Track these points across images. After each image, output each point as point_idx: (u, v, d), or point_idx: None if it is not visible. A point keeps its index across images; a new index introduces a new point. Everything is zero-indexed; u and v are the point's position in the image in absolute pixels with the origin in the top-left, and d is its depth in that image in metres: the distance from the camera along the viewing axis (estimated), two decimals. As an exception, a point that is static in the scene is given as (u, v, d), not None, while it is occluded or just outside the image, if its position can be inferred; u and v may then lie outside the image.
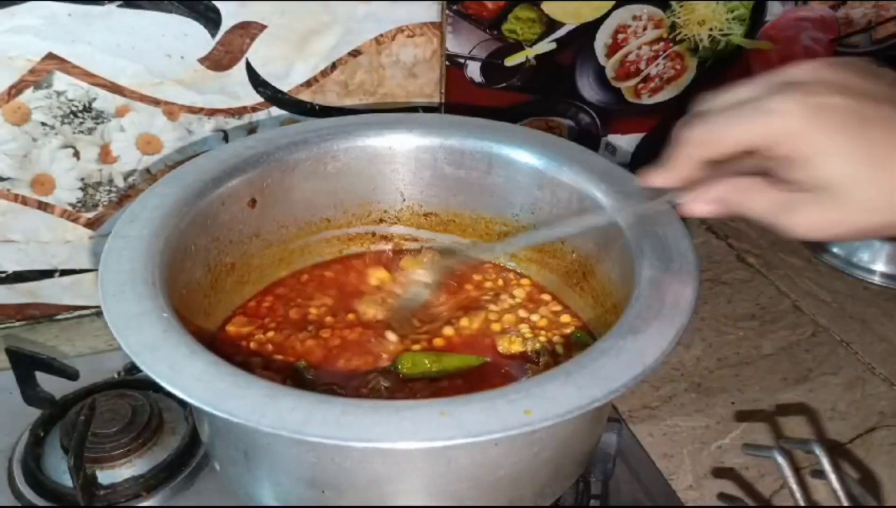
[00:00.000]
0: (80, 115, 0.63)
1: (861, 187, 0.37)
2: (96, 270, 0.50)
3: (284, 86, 0.68)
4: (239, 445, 0.46)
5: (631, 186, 0.56)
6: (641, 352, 0.42)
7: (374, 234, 0.67)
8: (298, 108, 0.70)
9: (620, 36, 0.77)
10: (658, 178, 0.44)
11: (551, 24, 0.74)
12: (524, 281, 0.65)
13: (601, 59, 0.78)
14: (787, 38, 0.84)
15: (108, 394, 0.59)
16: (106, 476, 0.54)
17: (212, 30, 0.64)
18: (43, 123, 0.63)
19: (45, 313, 0.71)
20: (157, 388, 0.47)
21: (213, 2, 0.63)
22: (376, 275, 0.64)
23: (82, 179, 0.66)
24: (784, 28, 0.83)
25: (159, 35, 0.63)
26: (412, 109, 0.74)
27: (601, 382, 0.40)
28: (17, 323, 0.71)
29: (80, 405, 0.57)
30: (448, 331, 0.58)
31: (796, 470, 0.58)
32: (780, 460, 0.52)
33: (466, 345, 0.58)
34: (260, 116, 0.69)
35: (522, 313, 0.61)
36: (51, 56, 0.61)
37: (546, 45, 0.75)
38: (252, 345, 0.57)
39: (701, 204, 0.42)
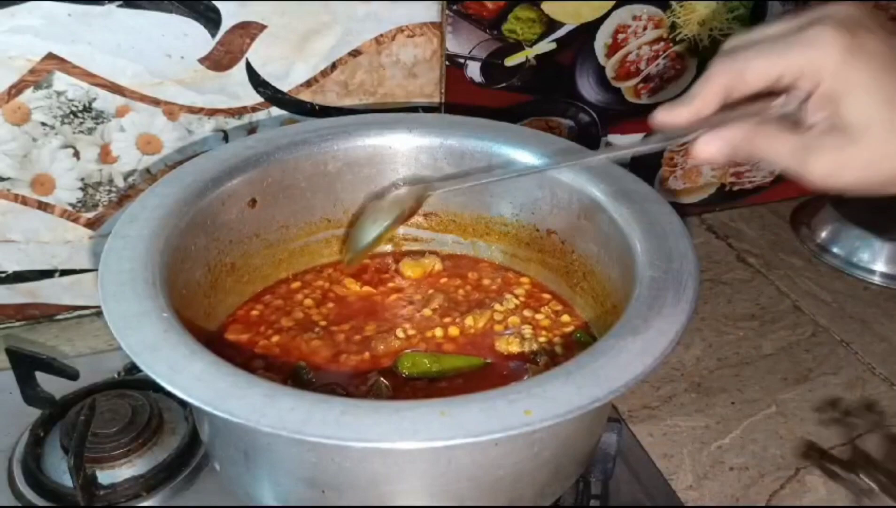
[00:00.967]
0: (80, 115, 0.63)
1: (882, 130, 0.37)
2: (96, 270, 0.50)
3: (284, 86, 0.68)
4: (239, 445, 0.46)
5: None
6: (641, 352, 0.42)
7: (374, 234, 0.67)
8: (298, 108, 0.70)
9: (620, 36, 0.77)
10: (676, 112, 0.42)
11: (551, 24, 0.74)
12: (524, 280, 0.65)
13: (601, 59, 0.78)
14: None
15: (108, 394, 0.59)
16: (106, 476, 0.54)
17: (212, 30, 0.64)
18: (43, 123, 0.63)
19: (45, 313, 0.71)
20: (157, 388, 0.47)
21: (213, 2, 0.63)
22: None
23: (82, 179, 0.66)
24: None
25: (159, 35, 0.63)
26: (412, 109, 0.74)
27: (601, 382, 0.40)
28: (17, 323, 0.71)
29: (80, 405, 0.57)
30: (453, 331, 0.58)
31: (796, 470, 0.58)
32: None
33: (468, 344, 0.58)
34: (260, 116, 0.69)
35: (527, 312, 0.61)
36: (51, 56, 0.61)
37: (546, 45, 0.75)
38: (257, 350, 0.57)
39: (716, 143, 0.40)
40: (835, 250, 0.84)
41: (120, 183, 0.68)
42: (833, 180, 0.39)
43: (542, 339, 0.58)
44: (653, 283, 0.48)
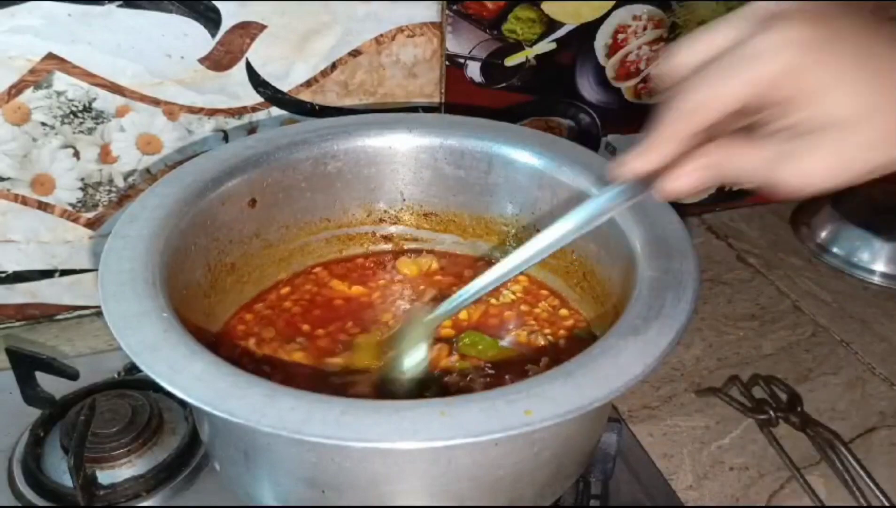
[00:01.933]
0: (80, 115, 0.63)
1: (863, 123, 0.34)
2: (96, 270, 0.50)
3: (284, 86, 0.68)
4: (239, 445, 0.46)
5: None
6: (641, 352, 0.42)
7: (374, 234, 0.67)
8: (298, 108, 0.70)
9: (620, 36, 0.77)
10: (639, 161, 0.38)
11: (551, 24, 0.74)
12: (521, 278, 0.65)
13: (601, 59, 0.78)
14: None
15: (108, 394, 0.59)
16: (106, 476, 0.54)
17: (212, 30, 0.64)
18: (43, 123, 0.63)
19: (45, 313, 0.71)
20: (157, 388, 0.47)
21: (213, 2, 0.63)
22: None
23: (82, 179, 0.66)
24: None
25: (159, 35, 0.63)
26: (412, 109, 0.74)
27: (601, 382, 0.40)
28: (17, 323, 0.71)
29: (80, 405, 0.57)
30: (445, 322, 0.58)
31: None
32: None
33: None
34: (260, 116, 0.69)
35: (524, 307, 0.61)
36: (51, 56, 0.61)
37: (546, 45, 0.75)
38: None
39: (684, 178, 0.37)
40: (835, 250, 0.84)
41: (120, 183, 0.68)
42: (815, 183, 0.35)
43: (546, 331, 0.58)
44: (653, 283, 0.48)
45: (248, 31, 0.65)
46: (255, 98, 0.68)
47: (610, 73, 0.79)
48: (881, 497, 0.55)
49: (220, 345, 0.57)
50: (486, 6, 0.71)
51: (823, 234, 0.86)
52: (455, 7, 0.70)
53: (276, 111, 0.69)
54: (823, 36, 0.34)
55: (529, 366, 0.55)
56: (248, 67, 0.66)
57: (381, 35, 0.69)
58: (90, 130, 0.64)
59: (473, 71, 0.74)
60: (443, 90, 0.74)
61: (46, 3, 0.59)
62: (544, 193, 0.62)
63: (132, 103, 0.64)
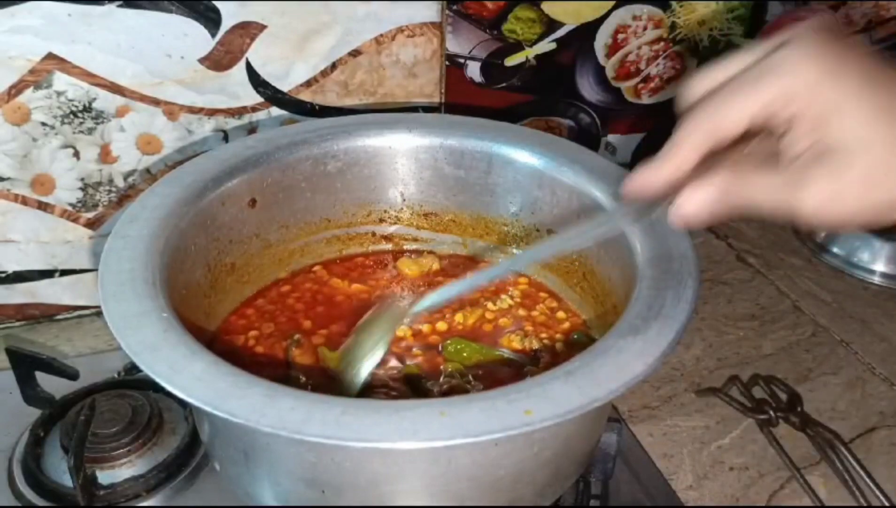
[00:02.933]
0: (80, 115, 0.63)
1: (875, 150, 0.34)
2: (96, 270, 0.50)
3: (284, 86, 0.68)
4: (239, 445, 0.46)
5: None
6: (641, 352, 0.42)
7: (374, 234, 0.67)
8: (298, 108, 0.70)
9: (620, 36, 0.77)
10: (654, 173, 0.38)
11: (551, 24, 0.74)
12: (522, 280, 0.65)
13: (601, 60, 0.78)
14: (787, 38, 0.84)
15: (108, 394, 0.59)
16: (106, 476, 0.54)
17: (212, 30, 0.64)
18: (43, 123, 0.63)
19: (45, 313, 0.71)
20: (157, 388, 0.47)
21: (213, 2, 0.63)
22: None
23: (82, 179, 0.66)
24: (784, 28, 0.83)
25: (159, 35, 0.63)
26: (412, 109, 0.74)
27: (601, 382, 0.40)
28: (17, 323, 0.71)
29: (80, 405, 0.57)
30: (441, 325, 0.59)
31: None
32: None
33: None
34: (260, 116, 0.69)
35: (521, 311, 0.61)
36: (51, 56, 0.61)
37: (546, 45, 0.75)
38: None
39: (696, 200, 0.37)
40: (835, 250, 0.84)
41: (120, 183, 0.68)
42: (829, 213, 0.35)
43: (542, 335, 0.58)
44: (653, 283, 0.48)
45: (248, 31, 0.65)
46: (255, 98, 0.68)
47: (610, 73, 0.79)
48: (881, 497, 0.55)
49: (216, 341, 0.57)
50: (486, 6, 0.71)
51: (823, 234, 0.86)
52: (455, 7, 0.70)
53: (276, 111, 0.69)
54: (837, 54, 0.35)
55: (528, 367, 0.55)
56: (248, 67, 0.66)
57: (381, 35, 0.69)
58: (90, 130, 0.64)
59: (473, 71, 0.74)
60: (443, 90, 0.74)
61: (46, 3, 0.59)
62: (544, 193, 0.62)
63: (132, 103, 0.64)
